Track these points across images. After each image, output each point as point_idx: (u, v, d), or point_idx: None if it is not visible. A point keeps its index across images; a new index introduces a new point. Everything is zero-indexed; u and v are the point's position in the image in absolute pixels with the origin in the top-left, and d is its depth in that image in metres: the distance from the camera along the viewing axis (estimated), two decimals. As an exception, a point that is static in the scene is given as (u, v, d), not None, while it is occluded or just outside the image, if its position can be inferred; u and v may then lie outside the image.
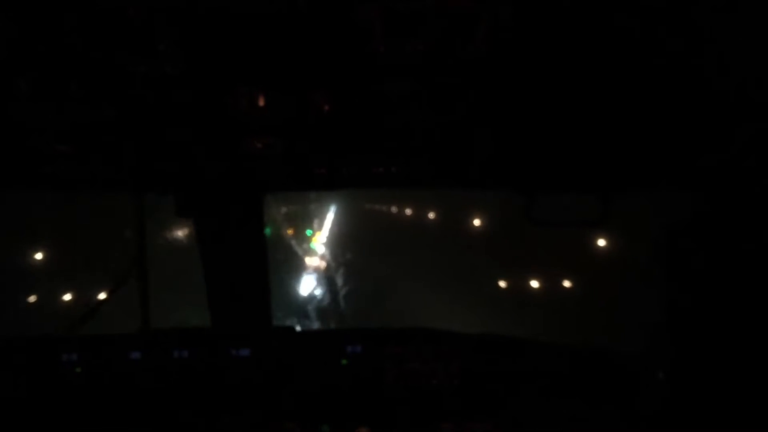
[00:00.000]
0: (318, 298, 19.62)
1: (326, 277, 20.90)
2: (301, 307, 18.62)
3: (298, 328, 2.70)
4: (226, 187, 2.49)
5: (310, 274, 21.00)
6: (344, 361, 2.51)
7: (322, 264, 22.04)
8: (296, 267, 20.88)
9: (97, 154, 2.13)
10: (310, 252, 22.81)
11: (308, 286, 20.19)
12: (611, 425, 2.44)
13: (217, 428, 2.42)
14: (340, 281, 20.39)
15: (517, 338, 2.60)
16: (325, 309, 18.82)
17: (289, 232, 22.42)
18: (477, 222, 19.29)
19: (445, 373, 2.50)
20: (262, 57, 1.67)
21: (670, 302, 2.62)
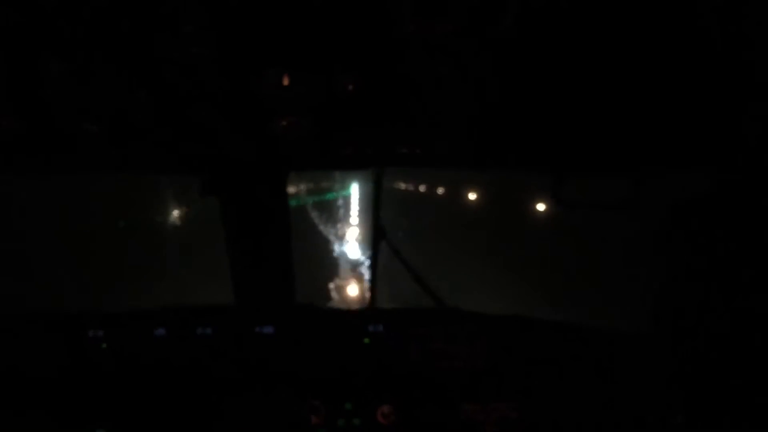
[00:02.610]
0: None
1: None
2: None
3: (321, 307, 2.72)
4: (251, 166, 2.49)
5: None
6: (366, 340, 2.52)
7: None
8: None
9: (124, 135, 2.14)
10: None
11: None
12: (639, 409, 2.43)
13: (241, 405, 2.45)
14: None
15: (544, 320, 2.59)
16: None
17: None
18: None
19: (469, 353, 2.50)
20: (291, 37, 1.66)
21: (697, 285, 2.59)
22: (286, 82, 1.84)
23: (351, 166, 2.46)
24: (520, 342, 2.52)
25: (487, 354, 2.50)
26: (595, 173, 2.44)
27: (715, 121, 2.03)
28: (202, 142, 2.20)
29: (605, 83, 1.86)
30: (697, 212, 2.47)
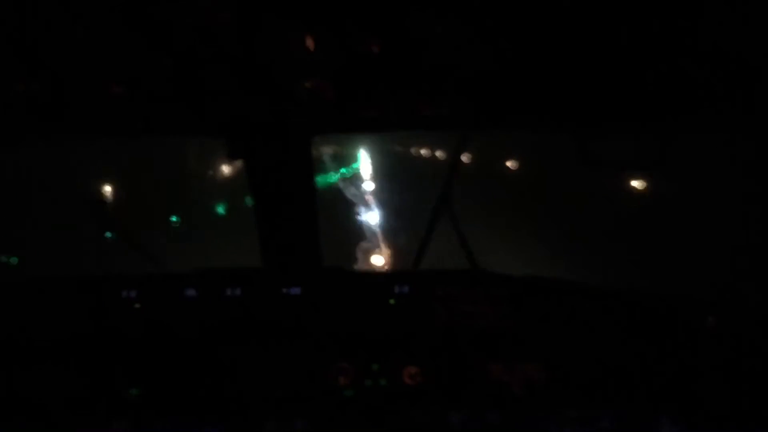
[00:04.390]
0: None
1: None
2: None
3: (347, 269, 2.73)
4: (276, 129, 2.50)
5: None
6: (392, 301, 2.53)
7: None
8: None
9: (147, 98, 2.16)
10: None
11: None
12: (663, 371, 2.42)
13: (269, 366, 2.49)
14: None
15: (567, 280, 2.58)
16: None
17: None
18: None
19: (494, 314, 2.51)
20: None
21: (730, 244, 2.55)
22: (308, 44, 1.83)
23: (375, 128, 2.45)
24: (546, 303, 2.52)
25: (512, 315, 2.51)
26: (619, 132, 2.40)
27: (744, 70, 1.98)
28: (225, 105, 2.21)
29: (628, 35, 1.82)
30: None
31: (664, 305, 2.53)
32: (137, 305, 2.52)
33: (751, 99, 2.15)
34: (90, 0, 1.64)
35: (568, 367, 2.46)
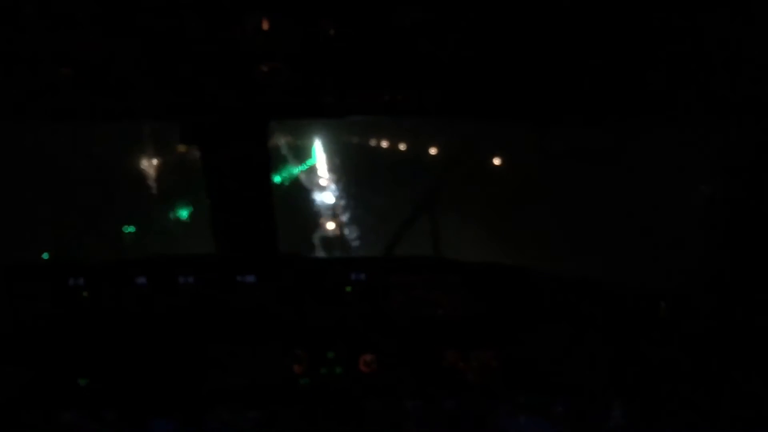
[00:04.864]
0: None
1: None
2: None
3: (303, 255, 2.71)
4: (232, 114, 2.45)
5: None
6: (348, 288, 2.52)
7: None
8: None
9: (101, 81, 2.10)
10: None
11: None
12: (615, 356, 2.47)
13: (223, 354, 2.46)
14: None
15: (523, 267, 2.60)
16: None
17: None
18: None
19: (450, 301, 2.52)
20: None
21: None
22: (265, 27, 1.80)
23: (333, 114, 2.42)
24: (502, 290, 2.54)
25: (468, 302, 2.52)
26: (580, 124, 2.42)
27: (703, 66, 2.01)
28: (182, 88, 2.16)
29: (590, 27, 1.84)
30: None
31: (617, 294, 2.57)
32: (85, 293, 2.46)
33: (704, 99, 2.19)
34: None
35: (523, 355, 2.49)
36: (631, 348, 2.48)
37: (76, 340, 2.45)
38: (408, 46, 1.91)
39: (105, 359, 2.45)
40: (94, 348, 2.45)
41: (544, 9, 1.75)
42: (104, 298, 2.46)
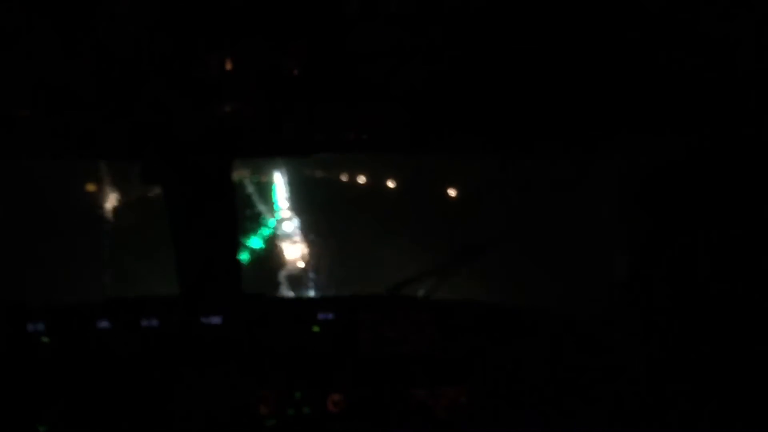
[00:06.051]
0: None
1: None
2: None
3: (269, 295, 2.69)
4: (194, 152, 2.44)
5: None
6: (316, 328, 2.50)
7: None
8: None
9: (59, 119, 2.07)
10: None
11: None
12: (585, 392, 2.47)
13: (189, 396, 2.41)
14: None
15: (491, 304, 2.61)
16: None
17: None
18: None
19: (417, 339, 2.51)
20: (232, 17, 1.63)
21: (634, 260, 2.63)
22: (228, 64, 1.81)
23: (298, 152, 2.43)
24: (469, 327, 2.54)
25: (436, 339, 2.52)
26: (544, 155, 2.47)
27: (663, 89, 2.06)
28: (143, 126, 2.14)
29: (556, 60, 1.88)
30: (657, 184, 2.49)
31: (577, 325, 2.60)
32: (45, 339, 2.39)
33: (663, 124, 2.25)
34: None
35: (491, 391, 2.48)
36: (601, 383, 2.49)
37: (36, 385, 2.38)
38: (369, 81, 1.93)
39: (65, 405, 2.37)
40: (54, 394, 2.38)
41: (503, 41, 1.79)
42: (65, 342, 2.40)
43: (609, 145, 2.41)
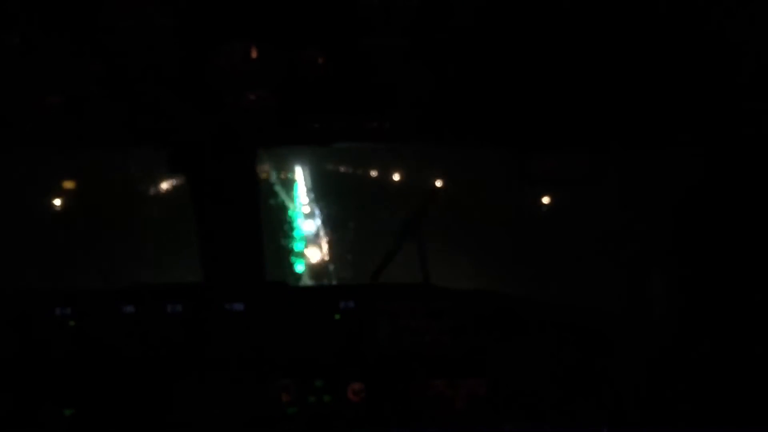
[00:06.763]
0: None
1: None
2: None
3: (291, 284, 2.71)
4: (219, 142, 2.46)
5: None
6: (337, 316, 2.52)
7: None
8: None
9: (88, 109, 2.10)
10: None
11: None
12: (603, 386, 2.47)
13: (211, 383, 2.44)
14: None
15: (511, 295, 2.61)
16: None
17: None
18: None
19: (438, 329, 2.52)
20: (255, 10, 1.64)
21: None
22: (251, 56, 1.82)
23: (318, 141, 2.44)
24: (489, 317, 2.54)
25: (456, 330, 2.52)
26: (558, 149, 2.45)
27: (680, 98, 2.06)
28: (165, 118, 2.17)
29: (567, 58, 1.88)
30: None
31: (596, 321, 2.59)
32: (72, 323, 2.44)
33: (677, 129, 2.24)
34: (24, 10, 1.59)
35: (511, 382, 2.48)
36: (620, 375, 2.48)
37: (62, 369, 2.43)
38: (390, 72, 1.94)
39: (91, 389, 2.42)
40: (80, 378, 2.42)
41: (524, 37, 1.79)
42: (91, 327, 2.45)
43: (615, 149, 2.41)
